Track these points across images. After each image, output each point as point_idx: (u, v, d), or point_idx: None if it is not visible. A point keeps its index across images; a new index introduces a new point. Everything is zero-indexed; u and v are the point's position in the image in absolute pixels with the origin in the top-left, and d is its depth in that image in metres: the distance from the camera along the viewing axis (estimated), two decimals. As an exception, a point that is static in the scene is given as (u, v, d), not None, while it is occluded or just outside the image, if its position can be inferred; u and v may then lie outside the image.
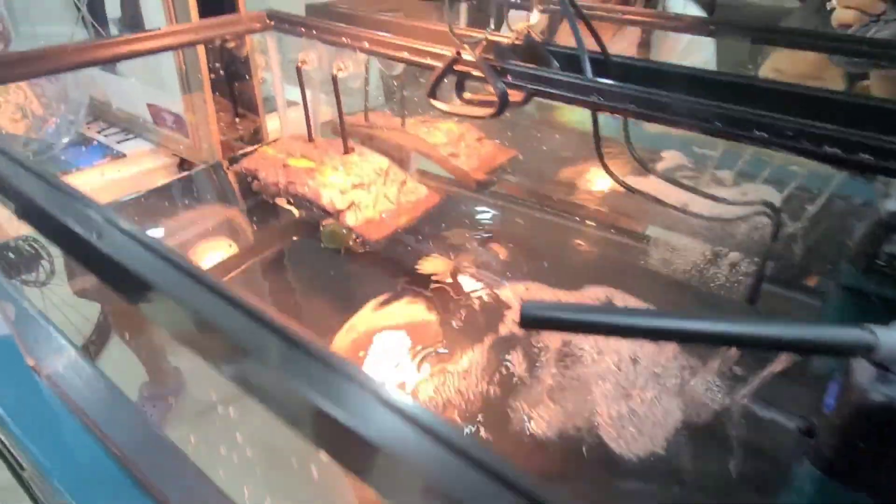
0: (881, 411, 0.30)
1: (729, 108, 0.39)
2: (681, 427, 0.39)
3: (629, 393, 0.41)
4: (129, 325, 0.66)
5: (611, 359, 0.43)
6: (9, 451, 0.69)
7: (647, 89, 0.43)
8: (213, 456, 0.47)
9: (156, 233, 0.66)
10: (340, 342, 0.50)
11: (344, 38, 0.58)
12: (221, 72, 0.76)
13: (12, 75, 0.52)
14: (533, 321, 0.33)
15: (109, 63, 0.54)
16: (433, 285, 0.57)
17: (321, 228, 0.62)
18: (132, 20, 0.85)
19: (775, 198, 0.63)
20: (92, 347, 0.79)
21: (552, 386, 0.44)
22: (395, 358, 0.49)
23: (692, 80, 0.47)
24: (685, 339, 0.36)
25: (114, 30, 0.89)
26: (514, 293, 0.53)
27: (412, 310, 0.54)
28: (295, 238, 0.67)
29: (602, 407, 0.40)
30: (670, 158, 0.77)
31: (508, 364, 0.46)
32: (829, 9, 0.77)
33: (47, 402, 0.55)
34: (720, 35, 0.86)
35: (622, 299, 0.51)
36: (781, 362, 0.39)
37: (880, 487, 0.33)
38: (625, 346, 0.45)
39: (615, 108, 0.45)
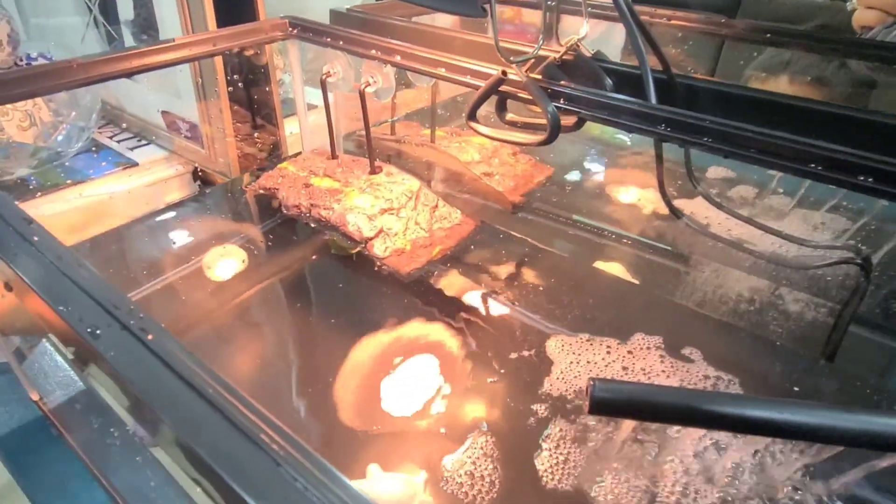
0: None
1: (831, 148, 0.34)
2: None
3: (709, 475, 0.35)
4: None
5: (688, 434, 0.38)
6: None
7: (728, 122, 0.37)
8: None
9: (173, 250, 0.62)
10: (353, 372, 0.45)
11: (374, 51, 0.53)
12: (239, 80, 0.72)
13: (24, 94, 0.47)
14: (605, 406, 0.28)
15: (125, 76, 0.49)
16: (462, 315, 0.52)
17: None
18: (145, 22, 0.81)
19: (843, 228, 0.57)
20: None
21: (608, 461, 0.39)
22: (412, 397, 0.44)
23: (774, 108, 0.41)
24: (781, 434, 0.30)
25: (125, 31, 0.85)
26: (557, 341, 0.47)
27: (436, 338, 0.50)
28: (314, 257, 0.62)
29: (671, 489, 0.35)
30: (715, 175, 0.71)
31: (546, 438, 0.41)
32: (849, 9, 0.71)
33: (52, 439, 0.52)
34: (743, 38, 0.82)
35: (678, 352, 0.45)
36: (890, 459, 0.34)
37: None
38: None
39: (686, 141, 0.39)
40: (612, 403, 0.27)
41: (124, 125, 0.94)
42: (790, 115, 0.42)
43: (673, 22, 0.76)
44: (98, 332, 0.21)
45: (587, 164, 0.76)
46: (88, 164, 0.84)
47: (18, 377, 0.53)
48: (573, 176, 0.72)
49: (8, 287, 0.26)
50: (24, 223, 0.31)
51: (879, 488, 0.35)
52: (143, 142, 0.90)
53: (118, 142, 0.90)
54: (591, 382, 0.26)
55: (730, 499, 0.34)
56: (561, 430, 0.41)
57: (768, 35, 0.74)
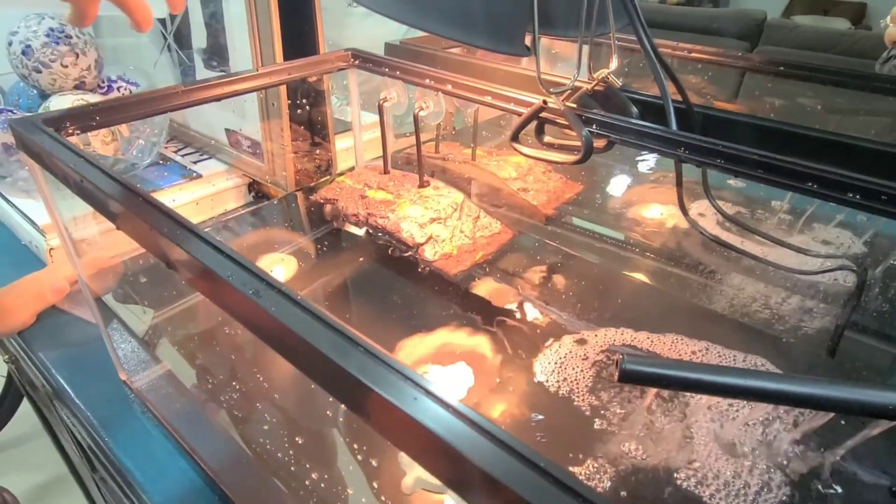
0: None
1: (825, 169, 0.40)
2: (773, 483, 0.40)
3: (720, 443, 0.41)
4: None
5: (702, 412, 0.44)
6: (87, 451, 0.73)
7: (737, 146, 0.44)
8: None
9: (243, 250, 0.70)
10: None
11: (427, 80, 0.60)
12: (299, 103, 0.80)
13: (119, 119, 0.55)
14: (632, 376, 0.34)
15: (217, 101, 0.57)
16: (500, 318, 0.59)
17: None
18: (214, 49, 0.90)
19: (852, 243, 0.63)
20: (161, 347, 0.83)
21: (630, 434, 0.45)
22: (455, 388, 0.50)
23: (781, 135, 0.48)
24: (787, 402, 0.36)
25: (196, 57, 0.94)
26: (590, 337, 0.54)
27: (475, 341, 0.56)
28: (361, 259, 0.69)
29: (690, 457, 0.41)
30: (743, 196, 0.77)
31: (582, 407, 0.47)
32: (882, 27, 0.77)
33: (137, 415, 0.59)
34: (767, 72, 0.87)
35: (697, 346, 0.51)
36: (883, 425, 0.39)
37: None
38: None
39: (701, 163, 0.46)
40: (638, 374, 0.33)
41: (188, 141, 1.04)
42: (792, 139, 0.48)
43: (693, 55, 0.83)
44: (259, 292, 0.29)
45: (613, 183, 0.83)
46: (158, 176, 0.93)
47: (111, 357, 0.61)
48: (600, 193, 0.79)
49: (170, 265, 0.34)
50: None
51: (868, 458, 0.40)
52: (205, 156, 0.99)
53: (182, 156, 0.99)
54: (621, 355, 0.33)
55: (739, 468, 0.40)
56: (587, 403, 0.47)
57: (781, 67, 0.80)
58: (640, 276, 0.63)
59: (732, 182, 0.77)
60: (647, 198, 0.76)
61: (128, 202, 0.36)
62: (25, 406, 1.59)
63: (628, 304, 0.58)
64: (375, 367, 0.24)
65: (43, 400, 0.92)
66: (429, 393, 0.23)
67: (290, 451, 0.52)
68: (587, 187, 0.76)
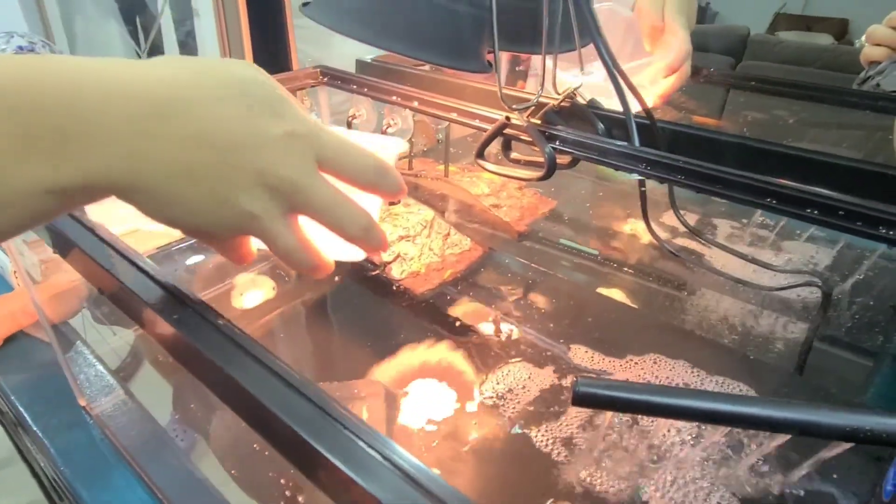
0: (946, 508, 0.30)
1: (782, 184, 0.40)
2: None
3: (682, 467, 0.40)
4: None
5: (661, 432, 0.43)
6: (50, 481, 0.71)
7: (697, 161, 0.43)
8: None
9: (198, 276, 0.68)
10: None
11: (395, 97, 0.60)
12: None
13: None
14: (585, 399, 0.33)
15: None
16: (473, 336, 0.58)
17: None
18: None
19: (824, 256, 0.63)
20: (126, 371, 0.81)
21: (593, 453, 0.44)
22: (430, 406, 0.49)
23: (744, 150, 0.47)
24: (741, 424, 0.35)
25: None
26: (557, 352, 0.53)
27: (450, 358, 0.55)
28: (336, 278, 0.68)
29: (649, 479, 0.40)
30: (717, 210, 0.77)
31: (545, 428, 0.46)
32: (858, 46, 0.78)
33: (96, 442, 0.57)
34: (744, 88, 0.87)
35: (668, 365, 0.51)
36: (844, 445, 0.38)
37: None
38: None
39: (663, 178, 0.45)
40: (591, 396, 0.32)
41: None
42: (757, 154, 0.48)
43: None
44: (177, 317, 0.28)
45: (588, 198, 0.82)
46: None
47: (70, 383, 0.60)
48: (574, 208, 0.78)
49: (101, 292, 0.33)
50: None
51: (828, 478, 0.39)
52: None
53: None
54: (576, 378, 0.32)
55: (697, 488, 0.39)
56: (553, 428, 0.46)
57: (752, 83, 0.80)
58: (612, 293, 0.62)
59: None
60: (622, 213, 0.76)
61: (72, 232, 0.35)
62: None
63: (599, 321, 0.57)
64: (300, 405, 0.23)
65: (10, 426, 0.90)
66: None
67: (251, 479, 0.50)
68: (561, 203, 0.76)
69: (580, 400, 0.32)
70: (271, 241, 0.27)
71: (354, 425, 0.24)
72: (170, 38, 0.91)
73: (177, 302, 0.30)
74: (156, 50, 0.95)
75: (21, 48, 0.83)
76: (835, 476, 0.39)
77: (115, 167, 0.23)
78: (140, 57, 0.98)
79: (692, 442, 0.42)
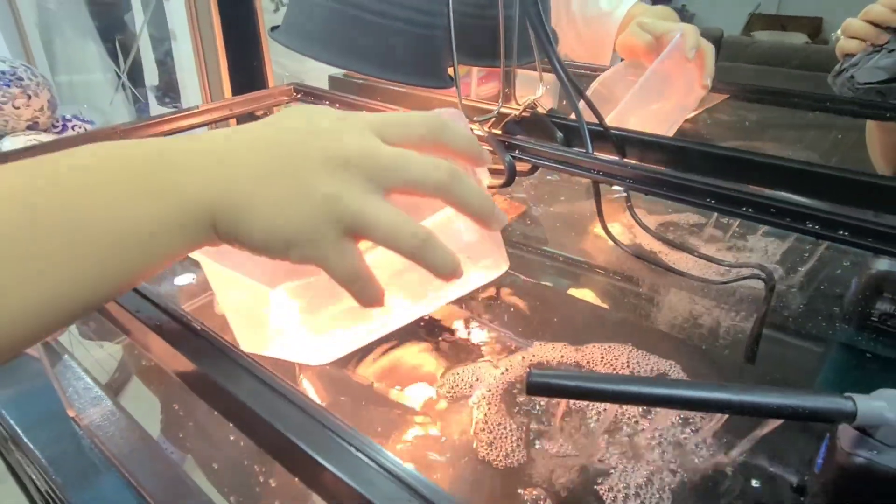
0: (861, 472, 0.33)
1: (719, 185, 0.43)
2: (681, 482, 0.42)
3: (632, 448, 0.43)
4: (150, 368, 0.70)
5: (612, 417, 0.46)
6: (42, 493, 0.73)
7: (644, 166, 0.47)
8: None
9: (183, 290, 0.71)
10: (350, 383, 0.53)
11: (364, 111, 0.63)
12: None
13: None
14: (539, 388, 0.36)
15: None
16: (445, 335, 0.60)
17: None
18: (167, 86, 0.92)
19: (776, 250, 0.66)
20: (115, 385, 0.83)
21: (555, 438, 0.47)
22: (402, 401, 0.52)
23: (691, 154, 0.51)
24: (681, 406, 0.38)
25: (150, 94, 0.96)
26: (522, 347, 0.56)
27: (421, 357, 0.58)
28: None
29: (603, 460, 0.43)
30: (679, 210, 0.81)
31: (515, 416, 0.49)
32: (833, 39, 0.80)
33: (86, 452, 0.59)
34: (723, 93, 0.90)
35: (626, 355, 0.54)
36: (775, 423, 0.42)
37: (866, 544, 0.35)
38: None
39: (613, 182, 0.49)
40: (544, 386, 0.35)
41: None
42: (706, 157, 0.51)
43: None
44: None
45: (557, 202, 0.85)
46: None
47: (58, 394, 0.62)
48: (543, 212, 0.82)
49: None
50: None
51: (766, 454, 0.42)
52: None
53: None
54: (529, 369, 0.35)
55: (650, 469, 0.42)
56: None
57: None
58: (577, 291, 0.65)
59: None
60: (588, 216, 0.79)
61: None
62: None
63: (564, 318, 0.60)
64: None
65: (1, 441, 0.91)
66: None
67: (240, 485, 0.52)
68: (531, 207, 0.79)
69: (533, 389, 0.35)
70: (367, 220, 0.26)
71: (345, 432, 0.26)
72: (148, 57, 0.93)
73: (161, 312, 0.32)
74: (136, 69, 0.98)
75: (3, 73, 0.85)
76: (774, 453, 0.43)
77: (212, 191, 0.26)
78: (121, 77, 1.01)
79: (640, 425, 0.45)
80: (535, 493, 0.43)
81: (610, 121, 0.56)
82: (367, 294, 0.28)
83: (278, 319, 0.31)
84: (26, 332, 0.24)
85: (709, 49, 0.67)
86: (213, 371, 0.29)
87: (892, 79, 0.64)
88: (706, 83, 0.67)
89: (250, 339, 0.32)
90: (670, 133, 0.66)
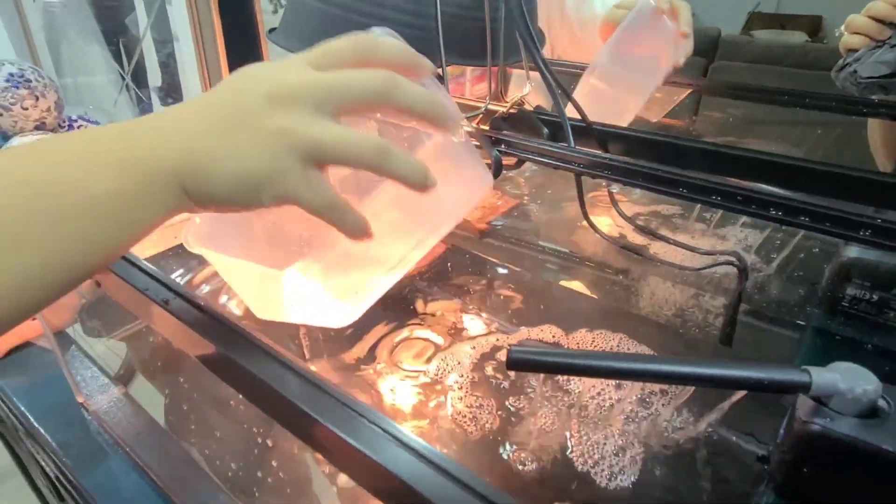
0: (816, 439, 0.36)
1: (690, 175, 0.46)
2: (654, 454, 0.44)
3: (606, 422, 0.46)
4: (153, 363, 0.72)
5: (588, 393, 0.49)
6: (52, 480, 0.76)
7: (621, 158, 0.49)
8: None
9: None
10: (348, 376, 0.56)
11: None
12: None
13: None
14: (518, 364, 0.38)
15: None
16: (437, 327, 0.63)
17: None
18: (171, 87, 0.95)
19: (754, 239, 0.69)
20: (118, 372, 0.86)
21: (537, 415, 0.49)
22: (400, 389, 0.55)
23: (667, 147, 0.54)
24: (650, 378, 0.41)
25: (153, 95, 0.99)
26: (511, 334, 0.59)
27: (414, 349, 0.61)
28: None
29: (579, 433, 0.45)
30: (665, 203, 0.84)
31: (501, 398, 0.52)
32: (837, 35, 0.81)
33: (94, 436, 0.62)
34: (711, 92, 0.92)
35: (616, 341, 0.56)
36: (739, 395, 0.44)
37: (822, 505, 0.38)
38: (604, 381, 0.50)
39: (595, 175, 0.51)
40: (523, 361, 0.38)
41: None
42: (685, 153, 0.54)
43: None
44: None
45: (546, 196, 0.88)
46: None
47: (68, 381, 0.64)
48: (534, 206, 0.84)
49: (97, 283, 0.38)
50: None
51: (735, 429, 0.45)
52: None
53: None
54: (510, 346, 0.37)
55: (623, 440, 0.45)
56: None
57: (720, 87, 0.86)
58: (564, 281, 0.68)
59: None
60: (576, 209, 0.82)
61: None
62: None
63: (551, 306, 0.63)
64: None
65: (11, 433, 0.94)
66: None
67: (241, 464, 0.55)
68: (522, 201, 0.82)
69: (513, 364, 0.37)
70: (321, 144, 0.27)
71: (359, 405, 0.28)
72: (152, 59, 0.96)
73: (169, 292, 0.35)
74: (139, 71, 1.00)
75: (12, 74, 0.88)
76: (742, 428, 0.45)
77: (173, 152, 0.27)
78: (125, 79, 1.04)
79: (612, 400, 0.48)
80: (522, 455, 0.46)
81: (581, 91, 0.58)
82: (347, 222, 0.28)
83: (296, 296, 0.33)
84: (18, 304, 0.26)
85: (683, 4, 0.69)
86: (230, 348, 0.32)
87: (893, 73, 0.65)
88: (684, 30, 0.68)
89: (266, 310, 0.34)
90: (648, 94, 0.68)
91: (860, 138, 0.82)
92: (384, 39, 0.31)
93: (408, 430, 0.27)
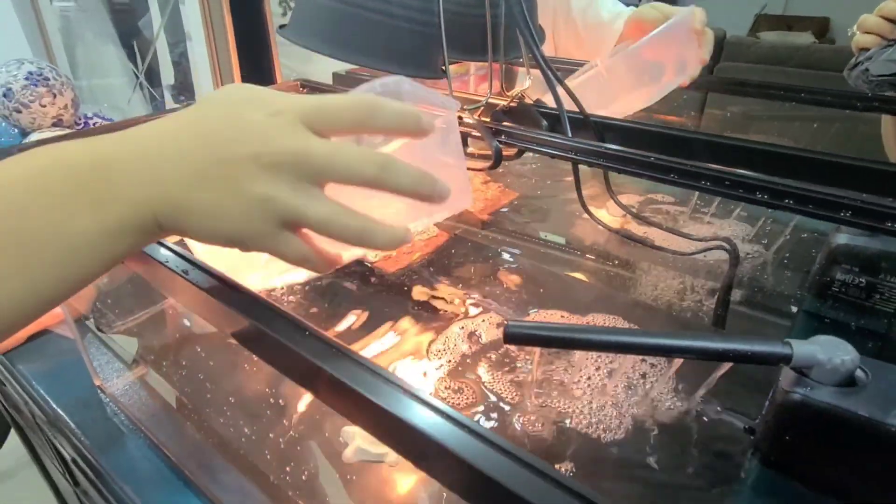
0: (797, 407, 0.37)
1: (680, 161, 0.48)
2: (648, 427, 0.46)
3: (601, 398, 0.48)
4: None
5: (585, 370, 0.51)
6: (68, 464, 0.78)
7: (615, 147, 0.52)
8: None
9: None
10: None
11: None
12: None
13: None
14: (515, 338, 0.41)
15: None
16: (441, 311, 0.65)
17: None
18: (183, 86, 0.98)
19: (746, 231, 0.71)
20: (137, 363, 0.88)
21: (537, 390, 0.51)
22: (408, 373, 0.57)
23: (662, 137, 0.56)
24: (641, 351, 0.43)
25: (166, 94, 1.02)
26: (508, 316, 0.61)
27: (420, 331, 0.63)
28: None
29: (577, 405, 0.47)
30: (661, 197, 0.86)
31: (501, 374, 0.54)
32: (849, 35, 0.83)
33: (110, 417, 0.65)
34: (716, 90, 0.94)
35: (603, 324, 0.58)
36: (725, 368, 0.46)
37: (806, 472, 0.39)
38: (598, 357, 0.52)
39: (590, 163, 0.53)
40: (520, 335, 0.40)
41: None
42: (679, 143, 0.56)
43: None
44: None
45: (547, 189, 0.90)
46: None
47: (86, 365, 0.67)
48: (534, 198, 0.86)
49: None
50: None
51: (719, 395, 0.47)
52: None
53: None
54: (506, 321, 0.39)
55: (621, 410, 0.47)
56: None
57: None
58: (563, 268, 0.70)
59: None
60: (573, 200, 0.84)
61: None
62: (10, 442, 1.63)
63: (549, 291, 0.65)
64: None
65: (28, 422, 0.97)
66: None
67: (249, 438, 0.57)
68: (522, 194, 0.84)
69: (510, 338, 0.39)
70: (303, 218, 0.27)
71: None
72: (165, 59, 0.99)
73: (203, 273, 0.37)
74: (152, 70, 1.04)
75: (31, 73, 0.91)
76: (731, 403, 0.47)
77: (151, 196, 0.27)
78: (138, 77, 1.07)
79: (607, 374, 0.50)
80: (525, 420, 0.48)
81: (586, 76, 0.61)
82: (321, 267, 0.30)
83: (287, 277, 0.35)
84: None
85: (710, 32, 0.73)
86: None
87: (904, 71, 0.68)
88: (705, 57, 0.72)
89: (255, 281, 0.36)
90: (641, 103, 0.70)
91: (865, 134, 0.84)
92: (386, 103, 0.29)
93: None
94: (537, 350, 0.52)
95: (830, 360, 0.37)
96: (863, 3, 0.75)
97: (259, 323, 0.31)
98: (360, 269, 0.70)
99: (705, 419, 0.47)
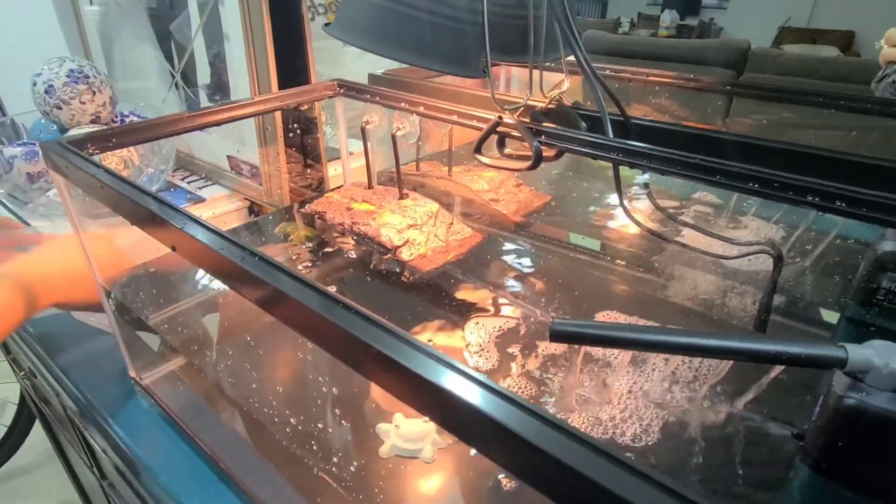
0: (852, 413, 0.37)
1: (727, 163, 0.47)
2: (691, 431, 0.45)
3: (645, 402, 0.47)
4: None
5: (625, 377, 0.50)
6: (96, 456, 0.79)
7: (658, 147, 0.51)
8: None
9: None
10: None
11: (403, 104, 0.69)
12: (293, 129, 0.89)
13: (132, 141, 0.63)
14: (561, 335, 0.40)
15: (209, 127, 0.65)
16: (475, 312, 0.65)
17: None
18: (217, 85, 1.00)
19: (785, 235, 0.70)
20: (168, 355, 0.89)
21: (577, 393, 0.51)
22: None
23: (706, 141, 0.55)
24: (690, 352, 0.43)
25: (201, 93, 1.04)
26: (546, 319, 0.60)
27: (455, 333, 0.63)
28: (351, 270, 0.76)
29: (617, 410, 0.47)
30: (700, 199, 0.85)
31: (538, 376, 0.54)
32: (877, 48, 0.83)
33: (145, 409, 0.65)
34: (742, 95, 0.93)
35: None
36: (776, 372, 0.45)
37: (858, 478, 0.38)
38: (642, 361, 0.52)
39: (632, 164, 0.53)
40: (565, 333, 0.39)
41: (193, 169, 1.12)
42: (715, 143, 0.56)
43: (668, 81, 0.89)
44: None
45: (580, 192, 0.90)
46: (165, 200, 1.01)
47: (124, 357, 0.68)
48: (568, 201, 0.86)
49: (173, 248, 0.41)
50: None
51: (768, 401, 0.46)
52: (209, 182, 1.07)
53: (188, 182, 1.08)
54: (552, 319, 0.39)
55: (661, 411, 0.46)
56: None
57: (727, 87, 0.88)
58: (598, 270, 0.70)
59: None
60: (610, 205, 0.84)
61: (139, 200, 0.44)
62: (32, 436, 1.66)
63: (584, 294, 0.65)
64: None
65: (57, 414, 0.98)
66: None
67: (284, 432, 0.58)
68: (555, 197, 0.84)
69: (556, 336, 0.39)
70: None
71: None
72: (202, 59, 1.01)
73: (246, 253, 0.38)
74: (187, 70, 1.05)
75: (72, 71, 0.94)
76: (778, 409, 0.46)
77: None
78: (174, 77, 1.09)
79: (651, 375, 0.49)
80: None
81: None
82: None
83: None
84: None
85: None
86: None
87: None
88: None
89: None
90: None
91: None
92: None
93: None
94: (581, 349, 0.52)
95: (888, 365, 0.36)
96: (889, 18, 0.75)
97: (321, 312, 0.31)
98: (393, 268, 0.71)
99: (750, 424, 0.46)
